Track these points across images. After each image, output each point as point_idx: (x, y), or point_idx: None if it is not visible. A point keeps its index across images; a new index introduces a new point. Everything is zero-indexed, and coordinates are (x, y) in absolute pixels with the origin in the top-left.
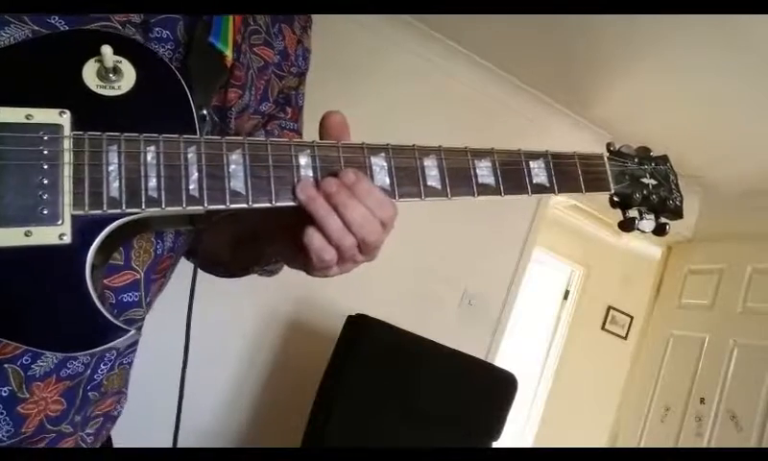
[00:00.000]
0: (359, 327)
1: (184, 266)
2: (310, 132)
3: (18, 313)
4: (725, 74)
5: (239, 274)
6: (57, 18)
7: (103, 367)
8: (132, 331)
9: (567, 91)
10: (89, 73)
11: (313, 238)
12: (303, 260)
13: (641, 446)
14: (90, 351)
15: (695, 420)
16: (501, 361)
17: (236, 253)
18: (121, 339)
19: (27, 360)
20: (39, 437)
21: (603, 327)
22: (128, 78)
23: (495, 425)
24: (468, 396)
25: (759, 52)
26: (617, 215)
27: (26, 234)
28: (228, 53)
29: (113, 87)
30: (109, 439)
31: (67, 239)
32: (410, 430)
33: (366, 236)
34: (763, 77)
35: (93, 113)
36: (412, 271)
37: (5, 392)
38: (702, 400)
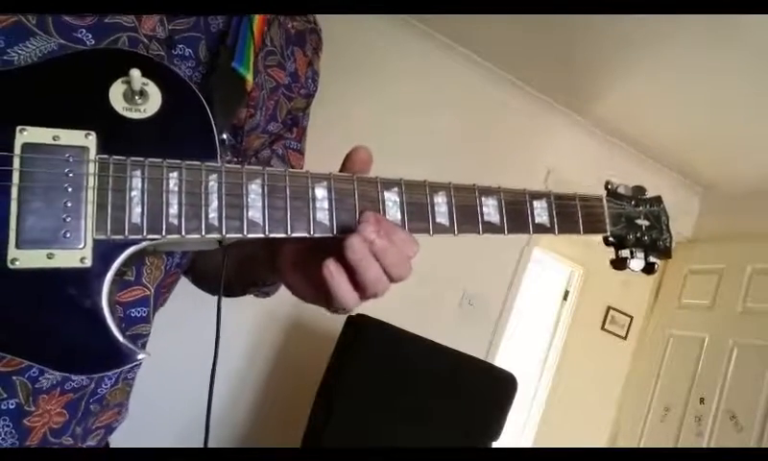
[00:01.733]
0: (359, 327)
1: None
2: (312, 140)
3: (35, 333)
4: (725, 74)
5: (238, 294)
6: (83, 32)
7: (107, 381)
8: (146, 355)
9: (567, 91)
10: (116, 95)
11: (340, 287)
12: (323, 300)
13: (641, 446)
14: (101, 375)
15: (695, 420)
16: (501, 361)
17: (238, 274)
18: (133, 364)
19: (35, 373)
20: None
21: (603, 328)
22: (153, 101)
23: (495, 425)
24: (468, 396)
25: (759, 52)
26: None
27: (48, 256)
28: (250, 77)
29: (139, 110)
30: (107, 444)
31: (88, 263)
32: (410, 430)
33: (402, 275)
34: (763, 77)
35: (118, 136)
36: (412, 271)
37: (12, 404)
38: (702, 400)
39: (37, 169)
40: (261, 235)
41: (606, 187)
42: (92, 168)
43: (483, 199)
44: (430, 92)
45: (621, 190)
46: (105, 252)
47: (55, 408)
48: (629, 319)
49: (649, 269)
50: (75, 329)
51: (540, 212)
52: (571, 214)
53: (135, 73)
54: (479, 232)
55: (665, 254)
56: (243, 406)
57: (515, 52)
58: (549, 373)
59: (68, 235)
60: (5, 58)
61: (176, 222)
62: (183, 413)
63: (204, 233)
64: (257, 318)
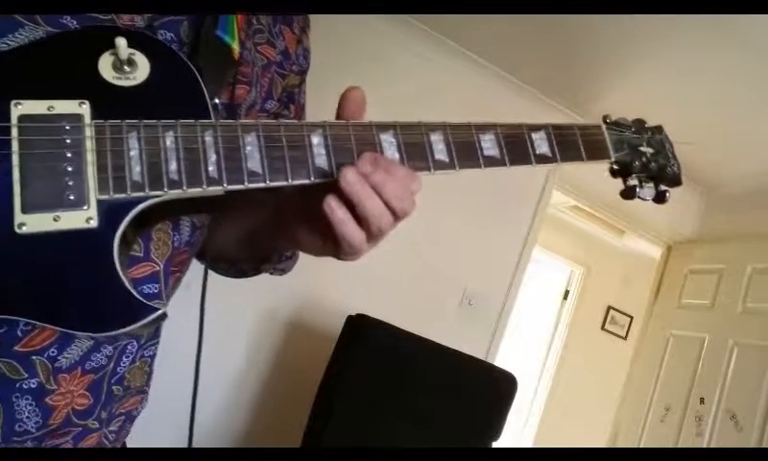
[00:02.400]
0: (359, 327)
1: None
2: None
3: (51, 297)
4: (725, 74)
5: (251, 273)
6: (69, 19)
7: (125, 359)
8: (161, 310)
9: (567, 91)
10: (105, 65)
11: (352, 232)
12: (331, 248)
13: (641, 446)
14: (124, 330)
15: (695, 420)
16: (501, 361)
17: (250, 248)
18: (151, 318)
19: (54, 352)
20: (65, 430)
21: (603, 327)
22: (142, 69)
23: (495, 425)
24: (468, 396)
25: (760, 52)
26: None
27: (54, 219)
28: (236, 46)
29: (129, 78)
30: (124, 443)
31: (94, 223)
32: (410, 430)
33: (406, 209)
34: (764, 77)
35: (111, 103)
36: (412, 271)
37: (33, 384)
38: (702, 400)
39: (36, 137)
40: (262, 184)
41: (604, 120)
42: (89, 132)
43: (480, 135)
44: (430, 92)
45: (620, 121)
46: (110, 211)
47: (78, 389)
48: (629, 319)
49: (660, 197)
50: (89, 288)
51: (540, 143)
52: (572, 142)
53: (121, 41)
54: (481, 166)
55: (675, 180)
56: (243, 406)
57: (515, 52)
58: (549, 373)
59: (71, 197)
60: None
61: (176, 177)
62: (183, 413)
63: (205, 186)
64: (257, 318)
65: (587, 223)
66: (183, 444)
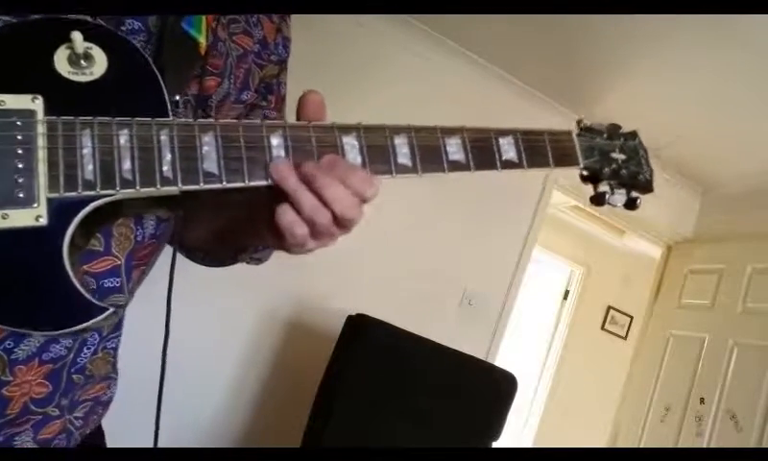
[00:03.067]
0: (359, 327)
1: (184, 262)
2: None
3: None
4: (725, 74)
5: (228, 262)
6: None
7: (86, 350)
8: (110, 310)
9: (567, 91)
10: (61, 59)
11: (285, 214)
12: (281, 240)
13: (641, 446)
14: (71, 330)
15: (695, 420)
16: (501, 361)
17: (223, 243)
18: (100, 318)
19: (10, 344)
20: (24, 418)
21: (603, 327)
22: (99, 63)
23: (495, 425)
24: (468, 396)
25: (759, 52)
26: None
27: (2, 217)
28: (202, 40)
29: (85, 73)
30: (100, 428)
31: (44, 221)
32: (410, 430)
33: (343, 211)
34: (763, 77)
35: (66, 99)
36: (412, 271)
37: None
38: (702, 400)
39: None
40: (219, 185)
41: (577, 124)
42: (41, 129)
43: (446, 138)
44: (430, 92)
45: (594, 126)
46: (60, 210)
47: (35, 378)
48: (629, 319)
49: (631, 204)
50: (37, 287)
51: (508, 148)
52: (540, 148)
53: (77, 36)
54: (444, 171)
55: (646, 187)
56: (243, 406)
57: (515, 52)
58: (549, 373)
59: (21, 195)
60: None
61: (130, 177)
62: (183, 413)
63: (158, 186)
64: (257, 318)
65: (587, 223)
66: (178, 443)
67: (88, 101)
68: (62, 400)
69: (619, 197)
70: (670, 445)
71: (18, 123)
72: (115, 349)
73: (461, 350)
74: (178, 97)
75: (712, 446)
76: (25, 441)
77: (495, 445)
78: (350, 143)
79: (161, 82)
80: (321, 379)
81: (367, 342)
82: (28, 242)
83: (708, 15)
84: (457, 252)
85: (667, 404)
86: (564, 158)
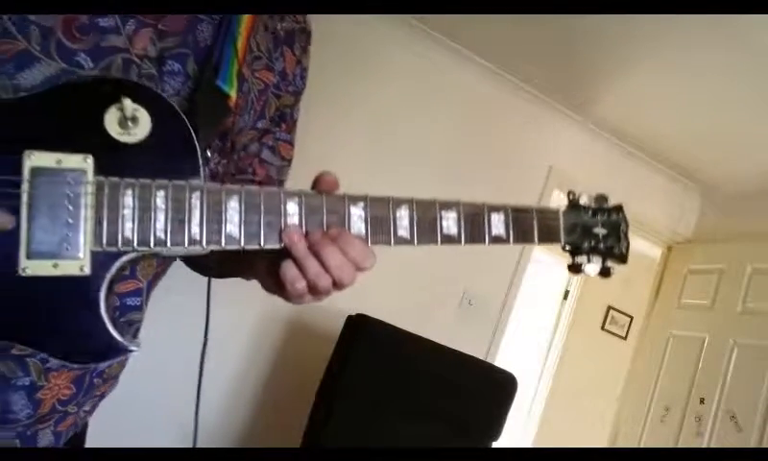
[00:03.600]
0: (359, 327)
1: (197, 276)
2: (314, 138)
3: (45, 329)
4: (725, 74)
5: (215, 277)
6: (83, 55)
7: (105, 361)
8: (135, 350)
9: (568, 91)
10: (111, 120)
11: (290, 270)
12: (282, 290)
13: (641, 446)
14: (100, 365)
15: (695, 420)
16: (501, 361)
17: (221, 268)
18: (125, 356)
19: (44, 355)
20: (50, 416)
21: (603, 328)
22: (143, 125)
23: (495, 425)
24: (468, 396)
25: (759, 52)
26: None
27: (54, 266)
28: (233, 94)
29: (131, 134)
30: (86, 425)
31: (87, 271)
32: (410, 430)
33: (342, 279)
34: (763, 77)
35: (114, 158)
36: (412, 271)
37: (27, 381)
38: (702, 401)
39: (43, 190)
40: (237, 247)
41: (568, 196)
42: (90, 188)
43: (443, 212)
44: (430, 92)
45: (583, 200)
46: (101, 261)
47: (64, 383)
48: (629, 319)
49: (604, 273)
50: (77, 326)
51: (498, 224)
52: (527, 226)
53: (127, 103)
54: (437, 243)
55: (621, 259)
56: (243, 406)
57: (515, 52)
58: (549, 373)
59: (68, 248)
60: (14, 82)
61: (162, 236)
62: (183, 413)
63: (186, 246)
64: (257, 318)
65: None
66: (185, 444)
67: (132, 160)
68: (81, 399)
69: (594, 266)
70: (670, 445)
71: (70, 181)
72: (127, 357)
73: (461, 350)
74: (209, 152)
75: (712, 446)
76: (45, 434)
77: (495, 445)
78: (357, 214)
79: (196, 143)
80: (321, 379)
81: (367, 342)
82: (72, 287)
83: (707, 15)
84: (457, 251)
85: (667, 404)
86: (549, 236)
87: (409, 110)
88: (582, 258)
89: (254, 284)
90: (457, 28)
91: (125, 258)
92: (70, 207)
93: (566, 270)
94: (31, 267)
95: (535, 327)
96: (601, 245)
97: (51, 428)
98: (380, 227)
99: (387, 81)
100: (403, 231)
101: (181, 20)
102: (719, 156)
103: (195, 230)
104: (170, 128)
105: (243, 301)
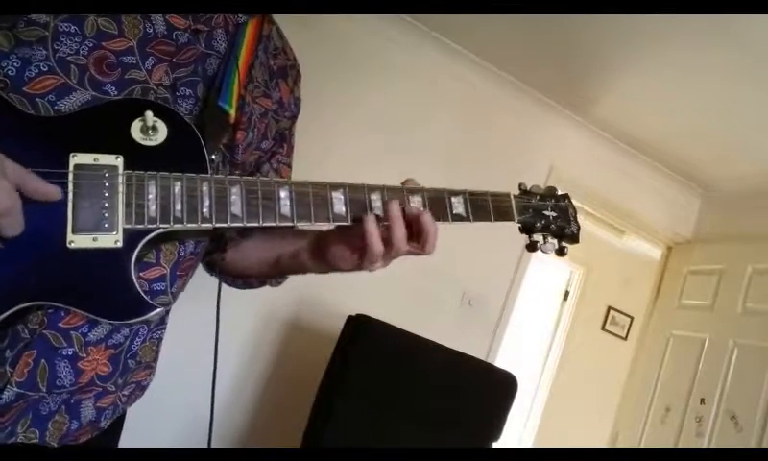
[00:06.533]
0: (359, 327)
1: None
2: (314, 138)
3: (86, 293)
4: (725, 74)
5: (256, 285)
6: (109, 85)
7: (138, 339)
8: (160, 308)
9: (567, 91)
10: (135, 129)
11: (371, 223)
12: (358, 260)
13: (641, 446)
14: (132, 321)
15: (695, 420)
16: (501, 361)
17: (275, 268)
18: (153, 313)
19: (85, 330)
20: (89, 388)
21: (603, 328)
22: (161, 133)
23: (495, 426)
24: (468, 396)
25: (759, 52)
26: (617, 216)
27: (93, 240)
28: (232, 112)
29: (152, 140)
30: (124, 413)
31: (120, 244)
32: (410, 430)
33: (399, 246)
34: (763, 77)
35: (138, 158)
36: (412, 271)
37: (70, 352)
38: (702, 401)
39: (84, 181)
40: (240, 224)
41: (519, 187)
42: (121, 180)
43: (410, 196)
44: (430, 92)
45: (533, 189)
46: (131, 236)
47: (101, 359)
48: (629, 319)
49: (560, 252)
50: (114, 289)
51: (457, 205)
52: (483, 206)
53: (149, 114)
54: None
55: (573, 239)
56: (243, 406)
57: (515, 52)
58: (549, 373)
59: (106, 225)
60: (55, 107)
61: (180, 215)
62: (183, 413)
63: (199, 223)
64: (257, 318)
65: (587, 223)
66: (178, 442)
67: (153, 159)
68: (119, 379)
69: (550, 246)
70: (670, 445)
71: (106, 175)
72: (159, 339)
73: (461, 350)
74: (213, 156)
75: (713, 446)
76: (87, 406)
77: (496, 445)
78: (337, 197)
79: (204, 148)
80: (321, 379)
81: (367, 342)
82: (108, 258)
83: (708, 15)
84: (457, 252)
85: (667, 405)
86: (503, 215)
87: (409, 111)
88: (537, 237)
89: None
90: (457, 28)
91: (150, 235)
92: (106, 194)
93: (525, 249)
94: (76, 240)
95: (535, 328)
96: (553, 225)
97: (92, 402)
98: (355, 205)
99: (387, 81)
100: (378, 212)
101: (192, 55)
102: (719, 156)
103: (206, 211)
104: (182, 135)
105: (243, 301)
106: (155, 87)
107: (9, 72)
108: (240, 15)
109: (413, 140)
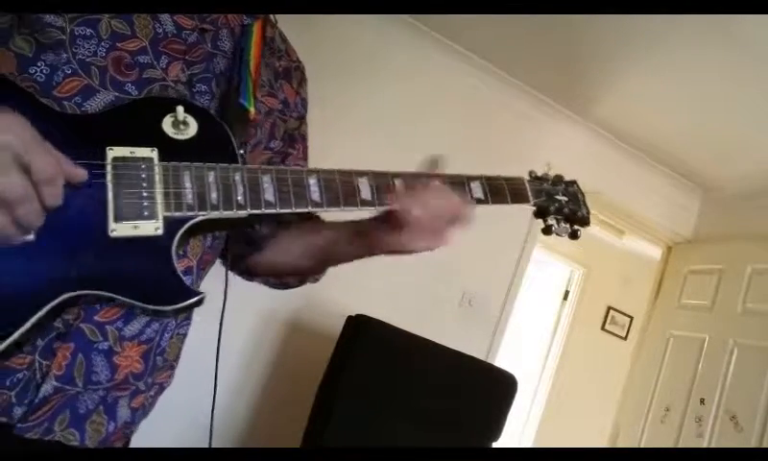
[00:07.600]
0: (359, 327)
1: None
2: (315, 138)
3: (129, 280)
4: (725, 74)
5: (294, 284)
6: (129, 85)
7: (166, 335)
8: (203, 294)
9: (567, 91)
10: (167, 124)
11: (407, 204)
12: (399, 233)
13: (641, 446)
14: (176, 306)
15: (695, 420)
16: (501, 361)
17: (316, 259)
18: (196, 298)
19: (120, 324)
20: (125, 386)
21: (603, 328)
22: (192, 127)
23: (495, 425)
24: (468, 396)
25: (759, 52)
26: (617, 216)
27: (134, 227)
28: (252, 109)
29: (183, 134)
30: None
31: (160, 231)
32: (410, 430)
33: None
34: (763, 77)
35: (171, 151)
36: (412, 271)
37: (105, 346)
38: (702, 401)
39: (123, 173)
40: (274, 210)
41: (529, 174)
42: (158, 170)
43: (436, 182)
44: (430, 92)
45: (542, 175)
46: (171, 224)
47: (135, 355)
48: (629, 319)
49: (573, 234)
50: (156, 276)
51: (476, 189)
52: (501, 190)
53: (180, 109)
54: None
55: (584, 222)
56: (243, 406)
57: (515, 52)
58: (549, 373)
59: (146, 213)
60: (82, 109)
61: (216, 203)
62: (183, 413)
63: (235, 210)
64: (257, 318)
65: None
66: (178, 442)
67: (185, 152)
68: (148, 378)
69: (564, 228)
70: (670, 445)
71: (143, 166)
72: (184, 335)
73: (461, 350)
74: (242, 151)
75: (712, 446)
76: (123, 405)
77: (495, 445)
78: (364, 183)
79: (234, 142)
80: (321, 379)
81: (367, 342)
82: (150, 245)
83: (707, 15)
84: (457, 251)
85: (667, 405)
86: (519, 197)
87: (408, 110)
88: (551, 221)
89: (254, 285)
90: (457, 28)
91: (190, 223)
92: (144, 185)
93: (541, 233)
94: (117, 229)
95: (535, 327)
96: (566, 209)
97: (127, 401)
98: (381, 190)
99: (387, 81)
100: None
101: (202, 54)
102: (719, 156)
103: (240, 198)
104: (211, 130)
105: (243, 301)
106: (172, 84)
107: (38, 78)
108: (244, 17)
109: (413, 140)
